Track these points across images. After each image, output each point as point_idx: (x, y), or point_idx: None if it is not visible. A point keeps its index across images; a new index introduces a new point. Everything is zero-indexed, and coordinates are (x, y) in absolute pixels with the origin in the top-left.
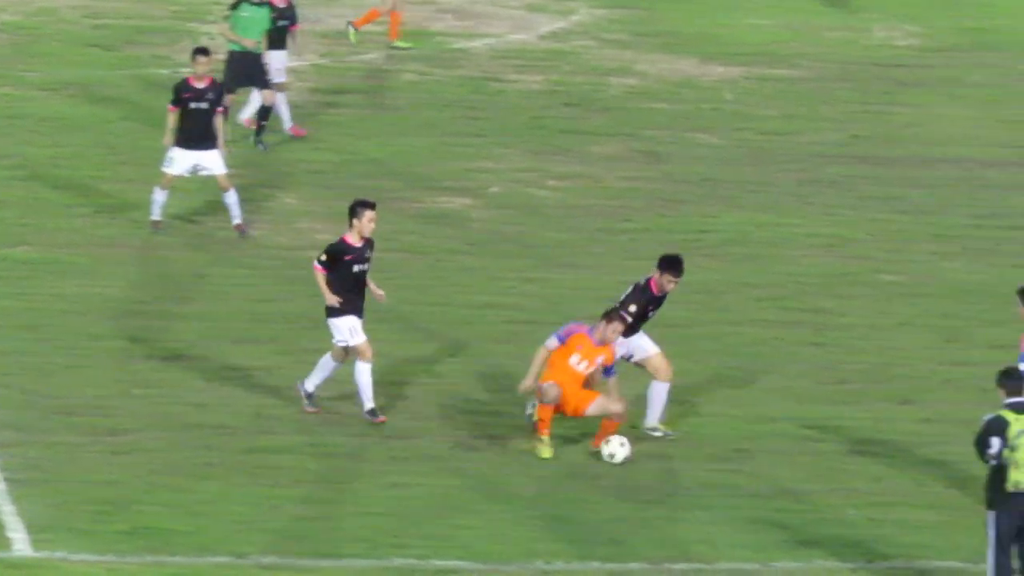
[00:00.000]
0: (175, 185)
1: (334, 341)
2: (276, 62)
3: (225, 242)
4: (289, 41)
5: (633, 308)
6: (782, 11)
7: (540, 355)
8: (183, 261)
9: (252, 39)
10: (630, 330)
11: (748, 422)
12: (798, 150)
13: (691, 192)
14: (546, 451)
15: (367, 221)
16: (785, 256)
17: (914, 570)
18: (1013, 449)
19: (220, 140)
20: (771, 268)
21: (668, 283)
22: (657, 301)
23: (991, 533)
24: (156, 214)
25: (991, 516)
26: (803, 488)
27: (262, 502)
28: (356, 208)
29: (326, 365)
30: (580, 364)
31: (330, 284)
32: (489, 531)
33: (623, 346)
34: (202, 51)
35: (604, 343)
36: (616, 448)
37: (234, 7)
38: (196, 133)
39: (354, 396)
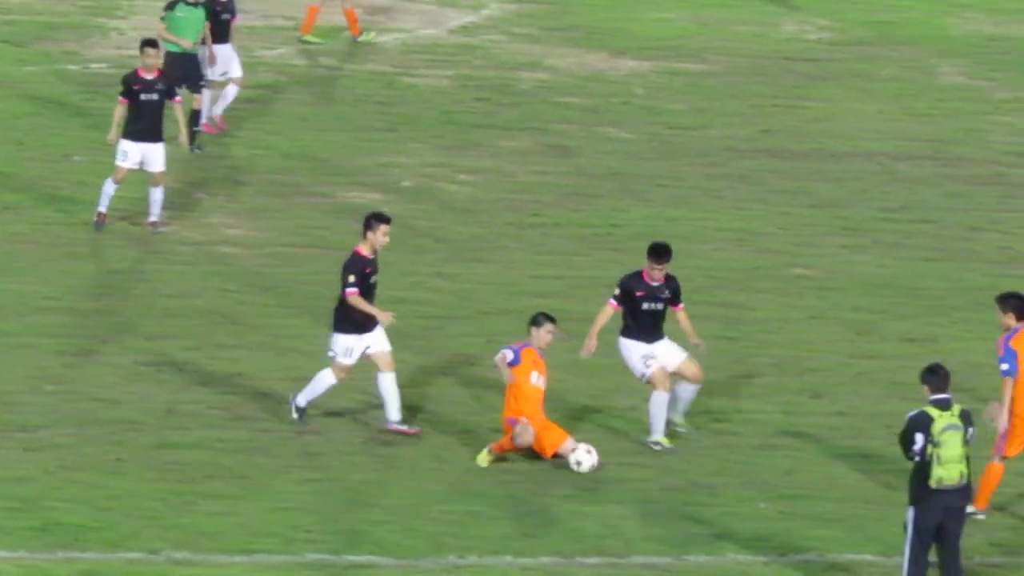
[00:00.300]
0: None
1: (331, 356)
2: (220, 56)
3: (136, 238)
4: (233, 35)
5: (616, 292)
6: (691, 5)
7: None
8: (93, 257)
9: (188, 40)
10: (639, 332)
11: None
12: (708, 144)
13: (601, 186)
14: (485, 461)
15: (381, 235)
16: (695, 250)
17: (826, 563)
18: (936, 445)
19: (182, 128)
20: (681, 262)
21: (651, 269)
22: (649, 291)
23: (911, 529)
24: (104, 206)
25: (912, 512)
26: (715, 482)
27: (174, 498)
28: (371, 221)
29: (322, 381)
30: (539, 380)
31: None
32: (402, 526)
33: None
34: (151, 43)
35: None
36: (583, 456)
37: (170, 7)
38: (146, 125)
39: (269, 394)
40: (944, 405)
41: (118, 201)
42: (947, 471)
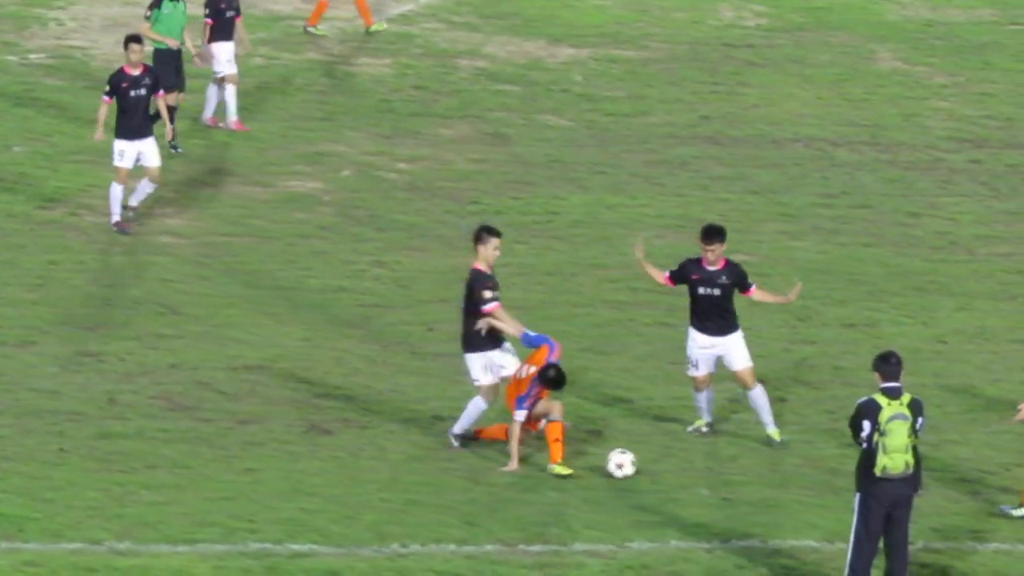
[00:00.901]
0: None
1: (472, 381)
2: (224, 53)
3: (75, 228)
4: (236, 32)
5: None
6: None
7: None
8: (32, 247)
9: (175, 37)
10: (697, 319)
11: (600, 403)
12: (647, 131)
13: (540, 174)
14: (565, 469)
15: (492, 248)
16: (634, 237)
17: (769, 549)
18: (883, 434)
19: (167, 122)
20: (621, 249)
21: (705, 252)
22: (705, 276)
23: (856, 515)
24: (117, 213)
25: (858, 499)
26: (656, 468)
27: (116, 488)
28: (482, 234)
29: (474, 409)
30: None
31: (474, 317)
32: (344, 515)
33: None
34: (135, 39)
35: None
36: (627, 464)
37: (155, 6)
38: (137, 122)
39: (209, 384)
40: (893, 394)
41: (62, 193)
42: (892, 460)
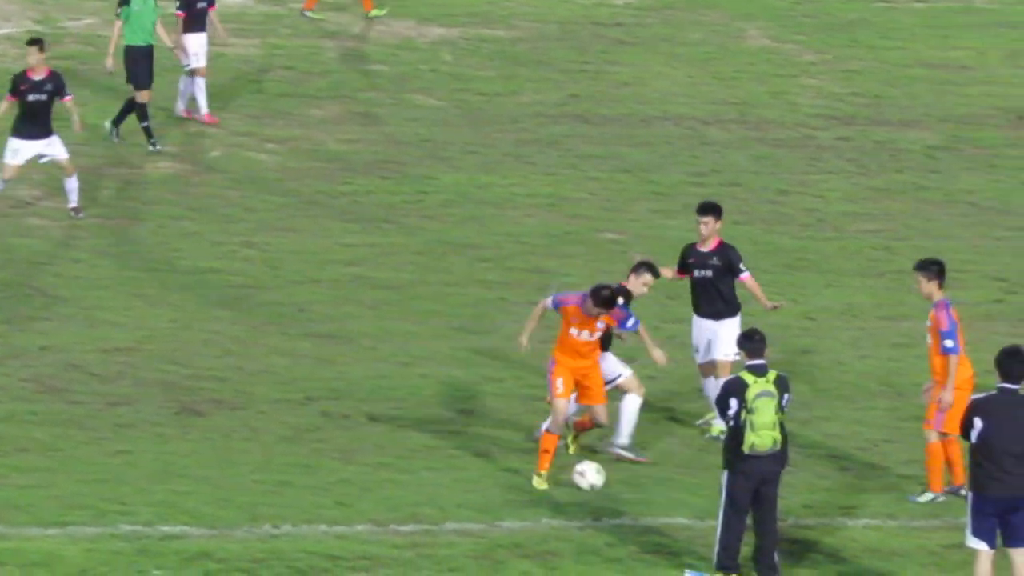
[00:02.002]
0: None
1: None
2: (194, 46)
3: None
4: (208, 24)
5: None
6: None
7: (536, 311)
8: None
9: (146, 34)
10: (695, 302)
11: (471, 382)
12: (517, 110)
13: (411, 154)
14: (542, 484)
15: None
16: (506, 216)
17: (640, 527)
18: (750, 411)
19: (75, 124)
20: (492, 228)
21: (698, 224)
22: (698, 257)
23: (724, 494)
24: None
25: (726, 477)
26: (527, 447)
27: None
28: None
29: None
30: (581, 333)
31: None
32: (216, 496)
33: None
34: (34, 42)
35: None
36: (595, 478)
37: (124, 3)
38: (36, 125)
39: (80, 366)
40: (759, 371)
41: None
42: (760, 437)
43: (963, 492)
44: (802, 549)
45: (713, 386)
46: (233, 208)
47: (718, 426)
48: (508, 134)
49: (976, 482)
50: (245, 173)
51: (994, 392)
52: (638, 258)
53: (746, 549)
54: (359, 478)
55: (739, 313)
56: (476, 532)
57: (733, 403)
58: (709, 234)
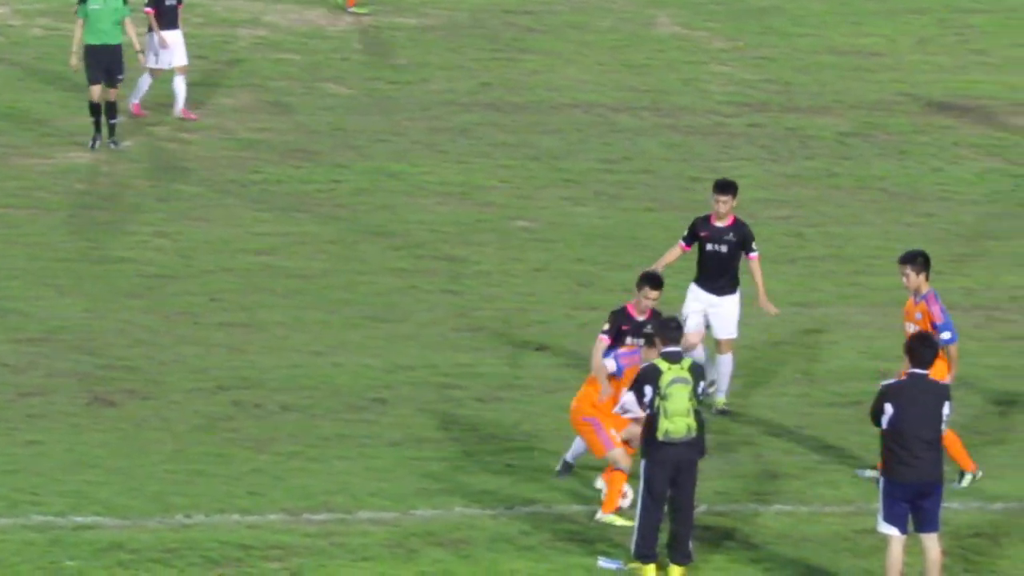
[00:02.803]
0: None
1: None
2: (168, 42)
3: None
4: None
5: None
6: None
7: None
8: None
9: (104, 33)
10: (702, 276)
11: (384, 371)
12: (428, 98)
13: (322, 142)
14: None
15: (643, 298)
16: (417, 205)
17: (553, 515)
18: (664, 398)
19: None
20: (404, 217)
21: (715, 204)
22: (713, 232)
23: (642, 480)
24: None
25: (644, 464)
26: (441, 436)
27: None
28: (640, 281)
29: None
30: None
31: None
32: (128, 486)
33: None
34: None
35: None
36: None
37: (82, 1)
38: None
39: None
40: (673, 358)
41: None
42: (674, 424)
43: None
44: (716, 536)
45: (704, 358)
46: (145, 198)
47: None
48: (419, 122)
49: (887, 468)
50: (156, 162)
51: (904, 378)
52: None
53: (662, 537)
54: (272, 467)
55: (738, 289)
56: (389, 521)
57: (647, 390)
58: (727, 211)
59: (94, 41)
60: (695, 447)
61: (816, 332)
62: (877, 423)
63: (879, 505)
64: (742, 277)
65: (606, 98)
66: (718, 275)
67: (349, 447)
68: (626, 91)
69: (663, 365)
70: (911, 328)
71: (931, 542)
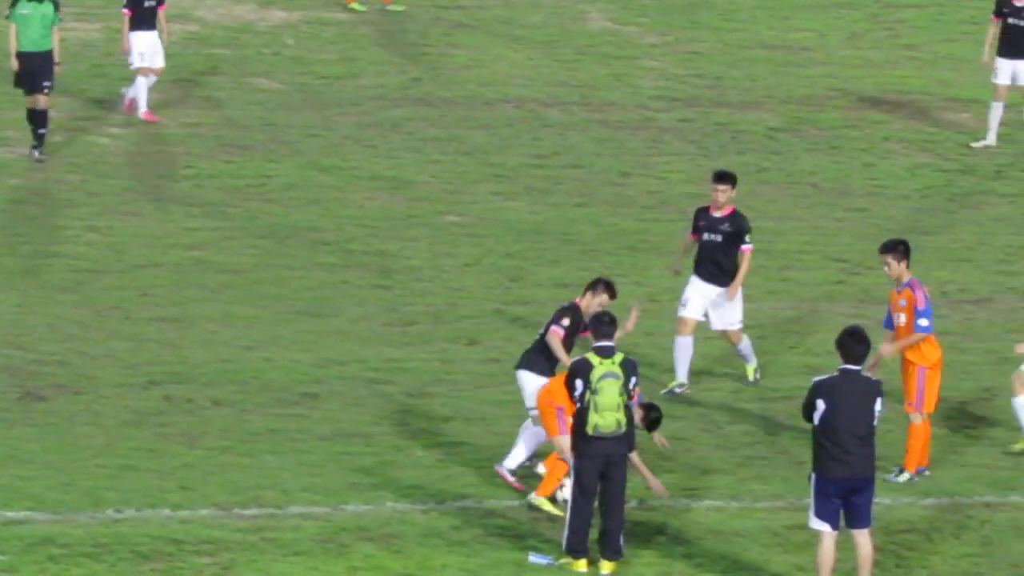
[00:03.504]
0: None
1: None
2: (140, 45)
3: None
4: (159, 22)
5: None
6: None
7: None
8: None
9: (33, 39)
10: (699, 265)
11: (314, 366)
12: (359, 93)
13: (253, 137)
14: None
15: (596, 303)
16: (348, 200)
17: (484, 510)
18: (594, 392)
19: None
20: (334, 212)
21: (713, 192)
22: (709, 222)
23: (573, 475)
24: None
25: (574, 459)
26: (371, 431)
27: None
28: (596, 284)
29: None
30: None
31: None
32: (59, 481)
33: None
34: None
35: None
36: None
37: (12, 4)
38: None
39: None
40: (605, 353)
41: None
42: (603, 418)
43: (927, 473)
44: (647, 532)
45: (688, 352)
46: (75, 192)
47: (677, 379)
48: (350, 117)
49: (819, 463)
50: (87, 157)
51: (836, 373)
52: (639, 305)
53: (593, 532)
54: (202, 462)
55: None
56: (320, 516)
57: (578, 384)
58: (725, 201)
59: (24, 48)
60: (624, 442)
61: (746, 328)
62: (809, 419)
63: (810, 501)
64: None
65: (537, 93)
66: (713, 264)
67: (280, 442)
68: (557, 86)
69: (595, 359)
70: (901, 319)
71: (863, 538)
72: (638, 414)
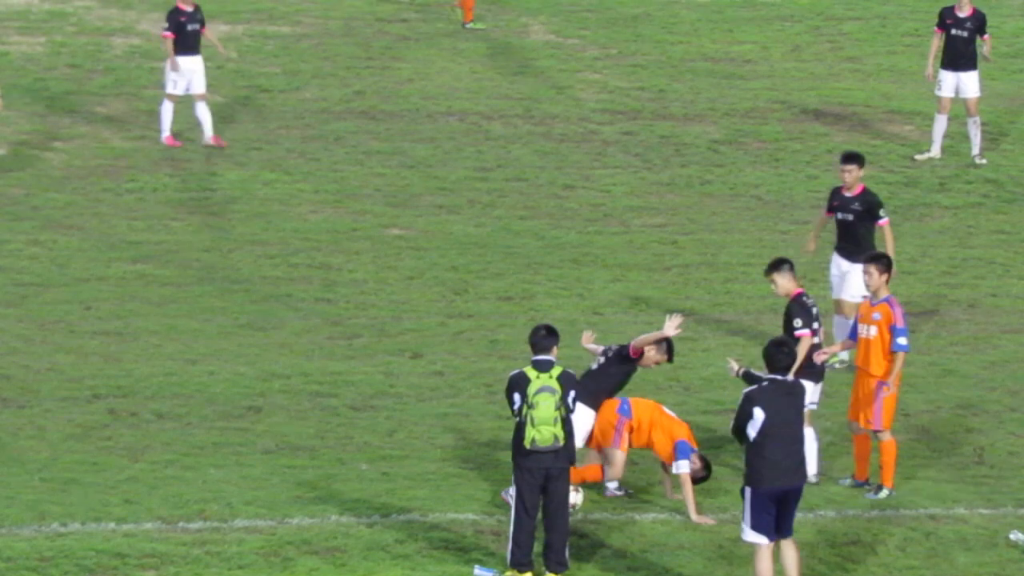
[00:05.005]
0: None
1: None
2: (185, 68)
3: None
4: (204, 43)
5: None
6: None
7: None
8: None
9: None
10: (837, 243)
11: (258, 379)
12: (302, 107)
13: (196, 151)
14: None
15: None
16: (291, 213)
17: (428, 523)
18: (531, 406)
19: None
20: (278, 225)
21: (841, 173)
22: (841, 201)
23: (514, 488)
24: None
25: (514, 473)
26: (315, 444)
27: None
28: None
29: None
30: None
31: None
32: (3, 495)
33: None
34: None
35: None
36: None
37: None
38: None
39: None
40: (543, 367)
41: None
42: (539, 432)
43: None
44: (591, 544)
45: (839, 323)
46: (18, 206)
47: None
48: (293, 131)
49: (757, 475)
50: (30, 171)
51: (765, 383)
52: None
53: (538, 545)
54: (146, 476)
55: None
56: (264, 529)
57: (516, 397)
58: (853, 181)
59: None
60: (562, 456)
61: (690, 339)
62: (742, 431)
63: (745, 514)
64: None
65: (479, 106)
66: (847, 241)
67: (224, 455)
68: (499, 99)
69: (531, 373)
70: (872, 331)
71: (790, 548)
72: (696, 463)
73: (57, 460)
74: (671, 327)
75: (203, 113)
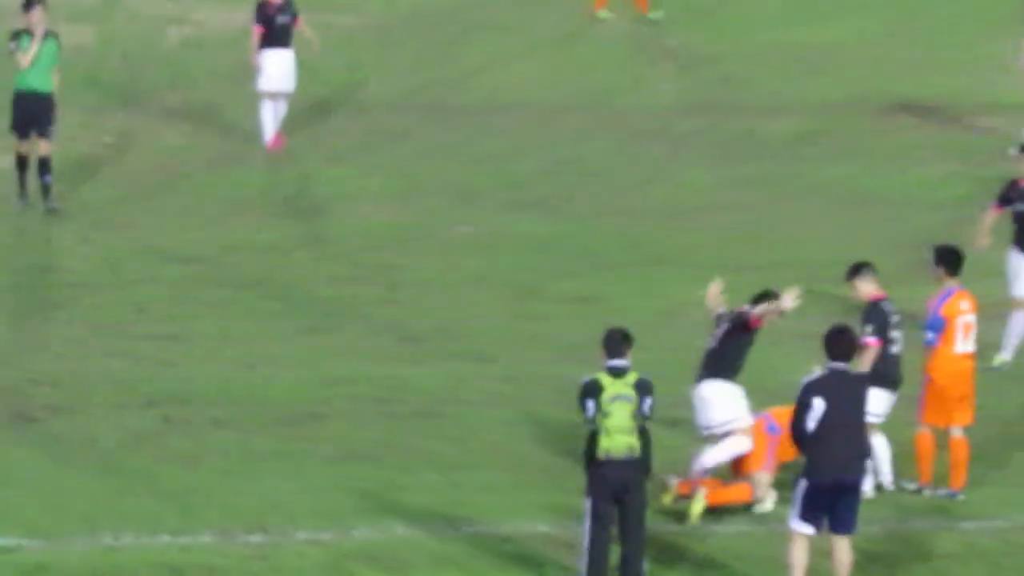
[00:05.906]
0: None
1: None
2: (273, 66)
3: None
4: (296, 38)
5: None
6: None
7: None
8: None
9: (39, 77)
10: (1017, 239)
11: (319, 385)
12: (365, 100)
13: (255, 146)
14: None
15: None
16: (354, 210)
17: (499, 535)
18: (604, 415)
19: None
20: (340, 222)
21: (1016, 163)
22: (1020, 193)
23: (587, 499)
24: None
25: (586, 483)
26: (379, 452)
27: None
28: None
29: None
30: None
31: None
32: (52, 505)
33: None
34: None
35: None
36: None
37: (15, 38)
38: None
39: None
40: (618, 372)
41: None
42: (614, 441)
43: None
44: (671, 558)
45: (1017, 321)
46: (67, 203)
47: (1001, 357)
48: (356, 124)
49: (813, 466)
50: (81, 167)
51: (826, 372)
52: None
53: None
54: (203, 485)
55: None
56: (326, 541)
57: (589, 405)
58: None
59: (21, 87)
60: (638, 466)
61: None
62: (801, 422)
63: (796, 502)
64: None
65: (551, 98)
66: None
67: (284, 464)
68: (571, 91)
69: (605, 380)
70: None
71: (845, 546)
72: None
73: (109, 469)
74: (789, 300)
75: (278, 111)
